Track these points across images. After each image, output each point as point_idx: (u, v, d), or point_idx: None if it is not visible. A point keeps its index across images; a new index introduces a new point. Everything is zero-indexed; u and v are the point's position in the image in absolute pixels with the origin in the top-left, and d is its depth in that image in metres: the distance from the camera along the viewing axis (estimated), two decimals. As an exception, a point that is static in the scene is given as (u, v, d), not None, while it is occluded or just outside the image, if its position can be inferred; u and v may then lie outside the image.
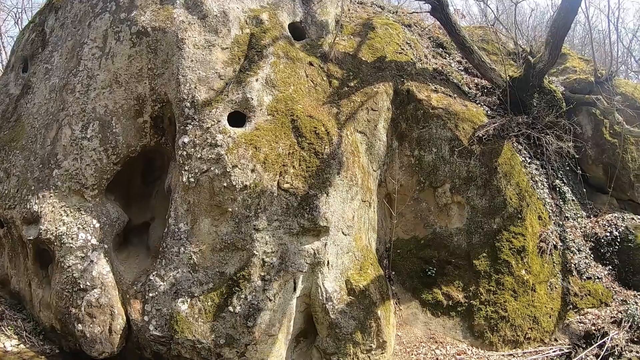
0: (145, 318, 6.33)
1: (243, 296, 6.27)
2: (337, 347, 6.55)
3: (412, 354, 7.32)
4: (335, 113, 7.56)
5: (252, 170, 6.43)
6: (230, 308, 6.22)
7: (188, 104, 6.64)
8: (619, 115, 10.05)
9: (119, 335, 6.47)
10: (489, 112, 8.88)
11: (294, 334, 6.76)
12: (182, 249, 6.41)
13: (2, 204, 7.28)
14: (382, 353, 6.89)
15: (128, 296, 6.57)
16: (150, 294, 6.36)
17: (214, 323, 6.20)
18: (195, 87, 6.70)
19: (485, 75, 9.36)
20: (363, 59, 8.51)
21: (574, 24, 17.45)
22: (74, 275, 6.48)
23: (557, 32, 9.08)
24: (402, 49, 8.99)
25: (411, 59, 8.93)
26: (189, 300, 6.25)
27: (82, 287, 6.45)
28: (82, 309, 6.41)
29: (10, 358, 6.47)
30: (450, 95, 8.65)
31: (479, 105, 8.97)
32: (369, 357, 6.75)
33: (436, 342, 7.50)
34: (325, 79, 7.96)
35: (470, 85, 9.38)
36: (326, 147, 6.93)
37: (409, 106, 8.37)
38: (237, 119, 6.87)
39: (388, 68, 8.54)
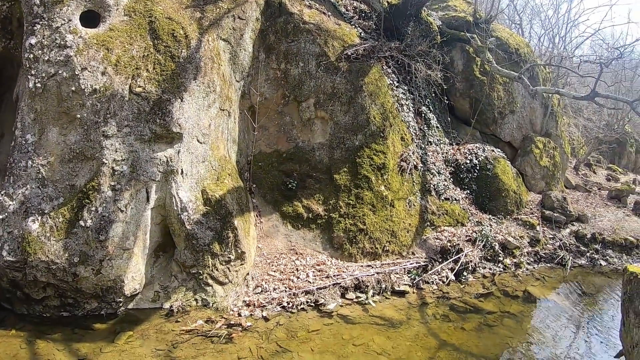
0: (-2, 243, 5.72)
1: (94, 208, 5.86)
2: (195, 259, 6.41)
3: (273, 265, 7.37)
4: (199, 17, 7.13)
5: (103, 73, 5.93)
6: (82, 222, 5.80)
7: (37, 1, 5.91)
8: (491, 55, 10.64)
9: (-28, 266, 5.79)
10: (362, 34, 8.89)
11: (151, 247, 6.46)
12: (30, 162, 5.82)
13: None
14: (242, 264, 6.82)
15: (-21, 221, 5.87)
16: (0, 216, 5.74)
17: (66, 240, 5.77)
18: (46, -17, 5.94)
19: (364, -1, 9.34)
20: (236, -35, 7.99)
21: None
22: None
23: (438, -35, 9.25)
24: (280, -39, 8.59)
25: (288, -29, 8.57)
26: (39, 218, 5.75)
27: None
28: None
29: None
30: (324, 13, 8.50)
31: (354, 27, 8.93)
32: (228, 268, 6.66)
33: (296, 253, 7.62)
34: (192, -19, 7.40)
35: (349, 8, 9.29)
36: (183, 50, 6.54)
37: (279, 19, 8.10)
38: (91, 19, 6.26)
39: (262, -23, 8.13)
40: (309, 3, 8.45)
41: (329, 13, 8.63)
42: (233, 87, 7.52)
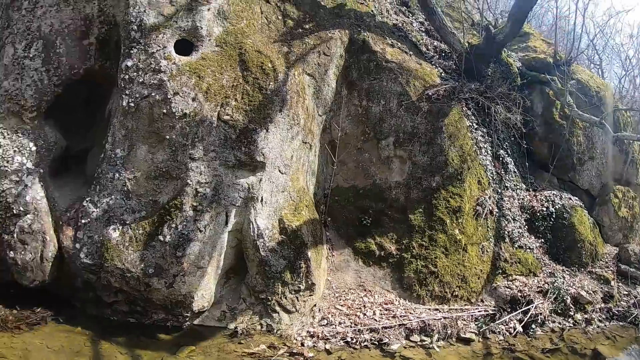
0: (77, 245, 6.11)
1: (174, 225, 6.15)
2: (266, 285, 6.52)
3: (341, 299, 7.34)
4: (286, 52, 7.43)
5: (194, 99, 6.28)
6: (161, 237, 6.10)
7: (135, 27, 6.37)
8: (571, 98, 10.30)
9: (51, 263, 6.25)
10: (442, 74, 8.90)
11: (224, 269, 6.67)
12: (117, 175, 6.22)
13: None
14: (311, 295, 6.87)
15: (61, 223, 6.33)
16: (83, 221, 6.15)
17: (143, 252, 6.08)
18: (144, 11, 6.42)
19: (444, 39, 9.36)
20: (322, 3, 8.36)
21: (544, 11, 17.74)
22: (8, 200, 6.20)
23: (522, 5, 9.16)
24: (364, 0, 8.85)
25: (372, 10, 8.83)
26: (120, 227, 6.10)
27: (15, 212, 6.20)
28: (15, 235, 6.17)
29: None
30: (406, 52, 8.60)
31: (434, 66, 8.97)
32: (297, 297, 6.72)
33: (365, 290, 7.55)
34: (280, 17, 7.77)
35: (429, 47, 9.36)
36: (271, 83, 6.81)
37: (362, 56, 8.27)
38: (184, 47, 6.67)
39: (347, 16, 8.41)
40: (391, 42, 8.59)
41: (411, 52, 8.74)
42: (315, 121, 7.72)
